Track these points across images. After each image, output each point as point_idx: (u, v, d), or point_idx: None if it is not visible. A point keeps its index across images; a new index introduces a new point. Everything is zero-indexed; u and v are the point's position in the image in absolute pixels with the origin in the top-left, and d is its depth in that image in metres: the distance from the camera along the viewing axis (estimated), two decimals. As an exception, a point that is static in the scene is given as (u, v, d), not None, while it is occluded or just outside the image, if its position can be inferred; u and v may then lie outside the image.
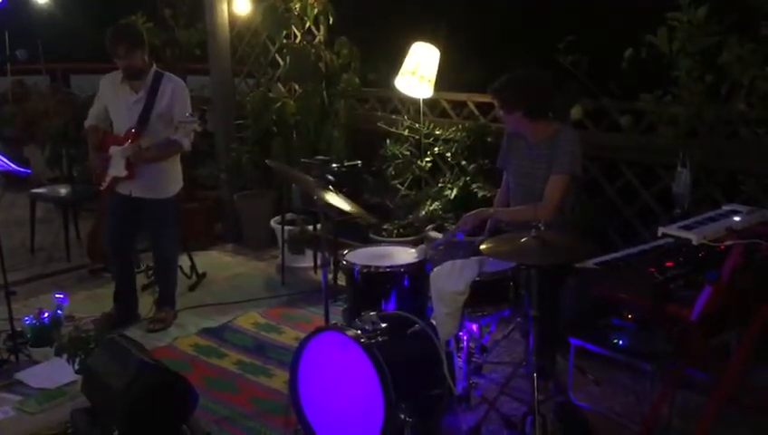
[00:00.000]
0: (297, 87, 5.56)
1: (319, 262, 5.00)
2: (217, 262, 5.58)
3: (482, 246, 2.89)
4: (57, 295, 4.02)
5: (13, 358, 3.83)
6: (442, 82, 4.78)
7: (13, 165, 3.98)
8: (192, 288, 5.02)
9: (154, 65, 4.20)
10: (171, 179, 4.30)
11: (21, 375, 3.67)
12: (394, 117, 5.19)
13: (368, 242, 4.62)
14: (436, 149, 4.88)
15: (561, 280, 3.05)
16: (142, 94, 4.10)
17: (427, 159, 4.94)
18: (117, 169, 4.11)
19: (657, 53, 3.50)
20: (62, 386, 3.54)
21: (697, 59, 3.44)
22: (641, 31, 3.51)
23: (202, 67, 6.30)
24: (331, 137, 5.31)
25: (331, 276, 4.66)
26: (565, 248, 2.81)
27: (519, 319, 3.42)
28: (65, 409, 3.27)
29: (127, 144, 4.07)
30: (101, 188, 4.22)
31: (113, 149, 4.12)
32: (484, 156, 4.51)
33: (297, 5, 5.34)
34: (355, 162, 4.96)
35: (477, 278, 3.07)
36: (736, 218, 2.66)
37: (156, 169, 4.17)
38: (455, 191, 4.66)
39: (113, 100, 4.16)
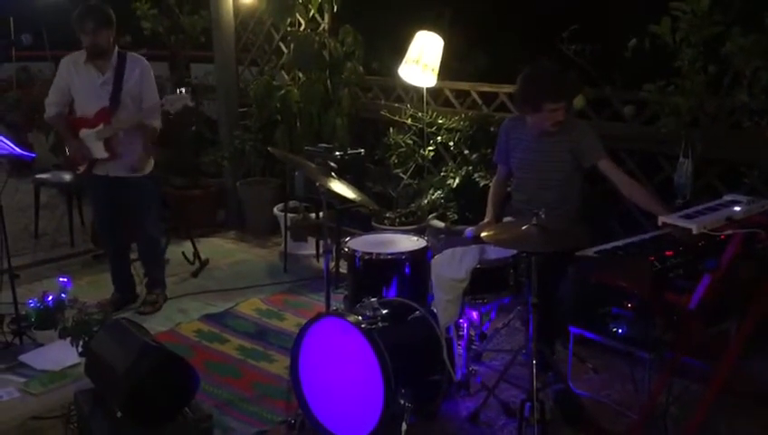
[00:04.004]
0: (301, 75, 5.56)
1: (321, 249, 5.03)
2: (220, 249, 5.61)
3: (483, 234, 2.91)
4: (61, 279, 4.05)
5: (17, 341, 3.87)
6: (445, 71, 4.78)
7: (17, 149, 4.00)
8: (195, 274, 5.04)
9: (116, 47, 4.16)
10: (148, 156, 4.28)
11: (25, 357, 3.70)
12: (397, 106, 5.18)
13: (370, 230, 4.64)
14: (438, 138, 4.89)
15: (562, 268, 3.06)
16: (109, 75, 4.07)
17: (430, 147, 4.94)
18: (96, 151, 4.12)
19: (660, 42, 3.50)
20: (66, 368, 3.58)
21: (700, 49, 3.43)
22: (644, 21, 3.51)
23: (206, 54, 6.32)
24: (335, 125, 5.31)
25: (333, 264, 4.69)
26: (565, 236, 2.83)
27: (519, 307, 3.45)
28: (69, 390, 3.30)
29: (101, 126, 4.06)
30: (78, 173, 4.23)
31: (84, 132, 4.12)
32: (487, 145, 4.51)
33: (301, -7, 5.34)
34: (358, 150, 4.98)
35: (478, 266, 3.10)
36: (736, 208, 2.67)
37: (132, 148, 4.16)
38: (457, 180, 4.67)
39: (77, 81, 4.11)
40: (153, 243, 4.51)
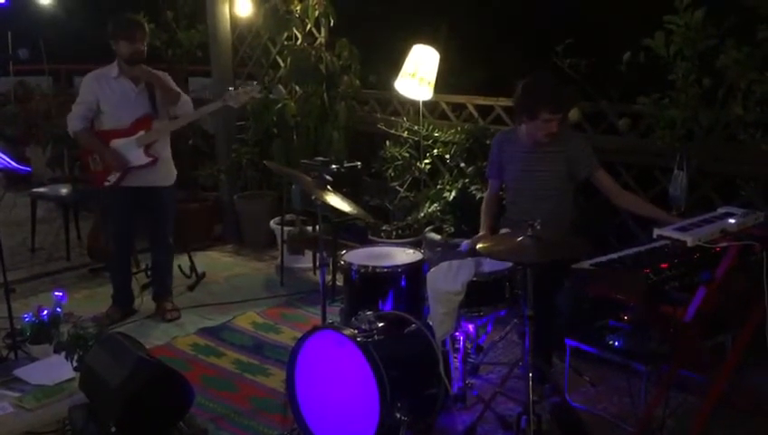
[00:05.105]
0: (298, 88, 5.58)
1: (318, 262, 5.01)
2: (217, 262, 5.60)
3: (478, 246, 2.91)
4: (56, 293, 4.04)
5: (12, 355, 3.85)
6: (441, 84, 4.80)
7: (13, 163, 4.00)
8: (191, 288, 5.03)
9: None
10: (173, 165, 4.43)
11: (20, 372, 3.68)
12: (393, 119, 5.20)
13: (366, 243, 4.64)
14: (435, 151, 4.90)
15: (559, 281, 3.06)
16: (142, 85, 4.19)
17: (427, 160, 4.96)
18: (136, 158, 4.17)
19: (654, 56, 3.52)
20: (61, 383, 3.55)
21: (695, 62, 3.45)
22: (639, 34, 3.53)
23: (203, 69, 6.34)
24: (331, 138, 5.33)
25: (329, 277, 4.68)
26: (561, 246, 2.83)
27: (515, 320, 3.45)
28: (63, 405, 3.28)
29: (142, 132, 4.15)
30: (108, 184, 4.22)
31: (119, 142, 4.16)
32: (483, 158, 4.52)
33: (298, 7, 5.37)
34: (355, 164, 4.98)
35: (474, 278, 3.09)
36: (731, 220, 2.67)
37: (166, 155, 4.32)
38: (453, 193, 4.68)
39: (109, 95, 4.16)
40: (172, 251, 4.60)
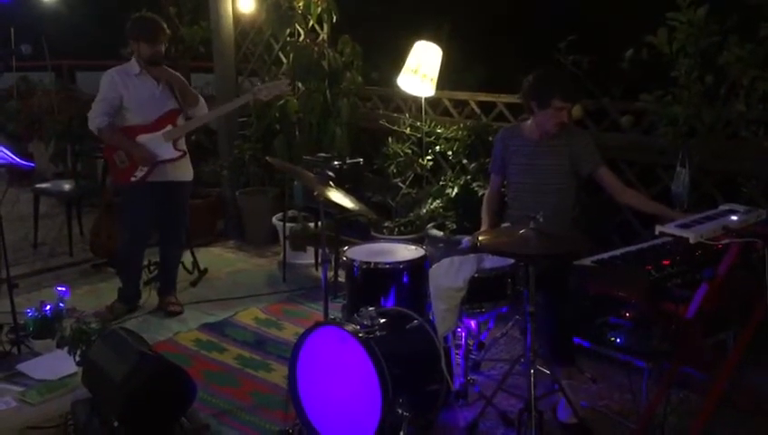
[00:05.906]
0: (300, 85, 5.59)
1: (320, 259, 5.03)
2: (219, 258, 5.61)
3: (480, 238, 2.91)
4: (59, 288, 4.05)
5: (15, 350, 3.86)
6: (444, 80, 4.79)
7: (16, 158, 4.01)
8: (194, 284, 5.04)
9: None
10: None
11: (23, 367, 3.69)
12: (396, 115, 5.20)
13: (369, 239, 4.65)
14: (437, 147, 4.90)
15: (562, 279, 3.06)
16: (164, 82, 4.25)
17: (429, 157, 4.96)
18: (165, 152, 4.23)
19: (657, 53, 3.52)
20: (64, 378, 3.57)
21: (697, 59, 3.45)
22: (641, 31, 3.53)
23: (206, 65, 6.35)
24: (334, 135, 5.32)
25: (331, 273, 4.69)
26: (563, 240, 2.83)
27: (517, 316, 3.45)
28: (66, 400, 3.29)
29: (169, 127, 4.21)
30: (134, 179, 4.22)
31: (145, 137, 4.19)
32: (485, 155, 4.52)
33: (301, 4, 5.36)
34: (357, 160, 4.98)
35: (475, 275, 3.09)
36: (733, 217, 2.67)
37: (186, 151, 4.39)
38: (456, 190, 4.68)
39: (133, 92, 4.19)
40: (182, 247, 4.68)
